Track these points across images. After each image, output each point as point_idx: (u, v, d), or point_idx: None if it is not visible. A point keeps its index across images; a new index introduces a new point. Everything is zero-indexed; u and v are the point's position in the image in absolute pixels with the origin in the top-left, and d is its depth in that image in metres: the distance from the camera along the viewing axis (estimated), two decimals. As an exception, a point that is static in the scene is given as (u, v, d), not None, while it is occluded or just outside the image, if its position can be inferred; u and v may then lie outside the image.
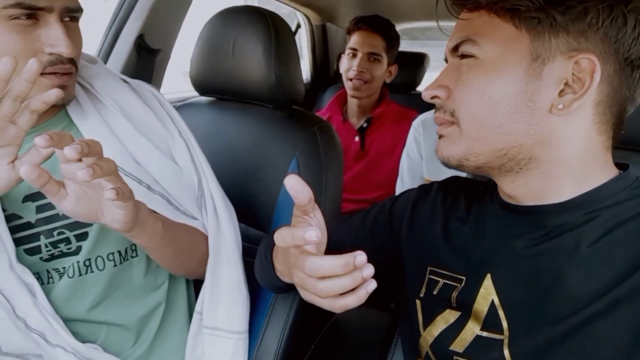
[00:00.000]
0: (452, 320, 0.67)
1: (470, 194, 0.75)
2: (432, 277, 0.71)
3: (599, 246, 0.58)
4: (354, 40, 1.86)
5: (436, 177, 1.60)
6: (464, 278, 0.67)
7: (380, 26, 1.86)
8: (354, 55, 1.85)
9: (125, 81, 0.90)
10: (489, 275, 0.64)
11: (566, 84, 0.56)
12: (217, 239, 0.91)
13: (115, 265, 0.87)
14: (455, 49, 0.63)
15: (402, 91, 2.45)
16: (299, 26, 2.57)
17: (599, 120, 0.59)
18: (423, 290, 0.72)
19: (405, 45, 3.70)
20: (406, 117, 1.90)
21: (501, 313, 0.62)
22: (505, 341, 0.61)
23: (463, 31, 0.63)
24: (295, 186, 0.52)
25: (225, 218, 0.92)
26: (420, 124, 1.67)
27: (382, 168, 1.88)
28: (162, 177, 0.86)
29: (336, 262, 0.48)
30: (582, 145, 0.59)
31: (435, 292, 0.70)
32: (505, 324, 0.61)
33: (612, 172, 0.62)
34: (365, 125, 1.92)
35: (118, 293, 0.90)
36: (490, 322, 0.63)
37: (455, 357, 0.65)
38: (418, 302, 0.72)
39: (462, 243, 0.70)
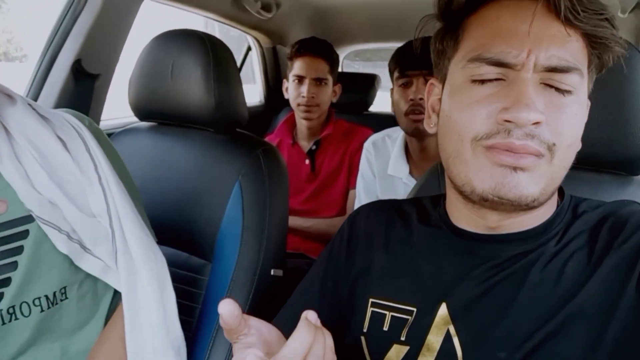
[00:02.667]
0: (402, 355, 0.63)
1: (404, 214, 0.74)
2: (375, 309, 0.68)
3: (548, 269, 0.59)
4: (299, 66, 1.86)
5: (389, 196, 1.62)
6: (414, 309, 0.65)
7: (322, 49, 1.87)
8: (301, 82, 1.86)
9: (48, 119, 0.84)
10: (444, 304, 0.62)
11: None
12: (134, 300, 0.85)
13: (42, 311, 0.81)
14: (552, 70, 0.56)
15: (354, 112, 2.46)
16: (249, 49, 2.57)
17: None
18: (366, 324, 0.68)
19: (358, 67, 3.76)
20: (353, 132, 1.92)
21: (456, 342, 0.60)
22: None
23: (569, 52, 0.56)
24: (230, 313, 0.45)
25: (145, 277, 0.85)
26: (371, 144, 1.69)
27: (334, 187, 1.89)
28: (77, 227, 0.82)
29: (303, 334, 0.44)
30: None
31: (385, 329, 0.66)
32: (460, 353, 0.60)
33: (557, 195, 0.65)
34: (314, 147, 1.92)
35: (47, 337, 0.84)
36: (444, 352, 0.61)
37: None
38: (363, 338, 0.68)
39: (410, 271, 0.67)
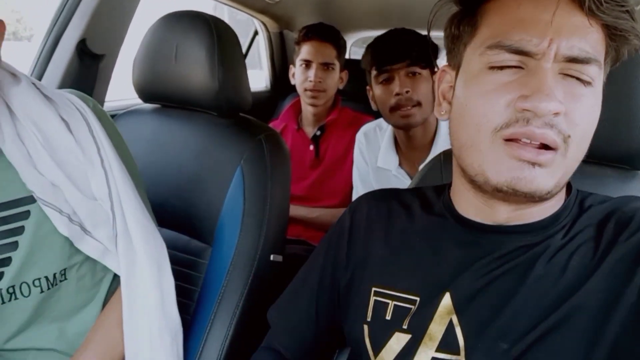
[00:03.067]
0: (403, 343, 0.63)
1: (405, 204, 0.73)
2: (378, 298, 0.68)
3: (554, 262, 0.59)
4: (306, 51, 1.84)
5: (384, 186, 1.62)
6: (417, 298, 0.64)
7: (330, 35, 1.86)
8: (308, 66, 1.84)
9: (52, 100, 0.83)
10: (447, 294, 0.62)
11: None
12: (132, 284, 0.85)
13: (42, 292, 0.82)
14: (572, 60, 0.55)
15: (361, 100, 2.44)
16: (256, 33, 2.55)
17: None
18: (370, 314, 0.68)
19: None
20: (358, 121, 1.90)
21: (458, 332, 0.60)
22: None
23: (591, 44, 0.56)
24: None
25: (144, 261, 0.85)
26: (363, 136, 1.69)
27: (337, 175, 1.87)
28: (79, 210, 0.82)
29: None
30: None
31: (388, 318, 0.66)
32: (462, 343, 0.59)
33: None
34: (318, 133, 1.91)
35: (45, 317, 0.85)
36: (446, 342, 0.60)
37: None
38: (366, 327, 0.68)
39: (414, 260, 0.67)
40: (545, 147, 0.56)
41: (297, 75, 1.88)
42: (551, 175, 0.56)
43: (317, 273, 0.77)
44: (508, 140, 0.56)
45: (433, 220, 0.69)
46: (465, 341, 0.59)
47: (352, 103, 2.16)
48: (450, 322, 0.61)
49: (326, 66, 1.84)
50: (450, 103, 0.66)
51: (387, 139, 1.60)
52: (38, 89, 0.82)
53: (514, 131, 0.55)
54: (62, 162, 0.81)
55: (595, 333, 0.54)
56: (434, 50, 1.44)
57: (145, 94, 1.19)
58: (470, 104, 0.60)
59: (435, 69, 1.47)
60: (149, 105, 1.24)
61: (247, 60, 2.62)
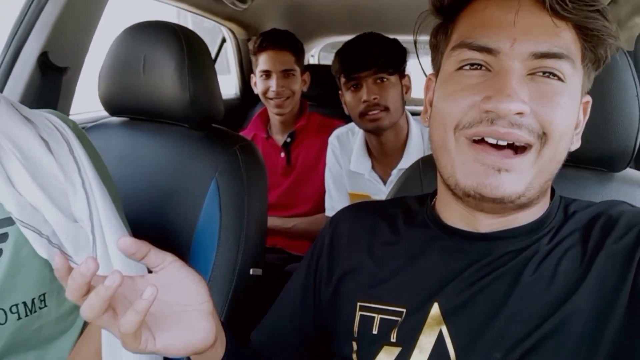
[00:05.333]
0: (393, 357, 0.62)
1: (387, 215, 0.72)
2: (364, 313, 0.66)
3: (542, 269, 0.58)
4: (264, 61, 1.83)
5: (358, 189, 1.63)
6: (404, 310, 0.63)
7: (285, 41, 1.84)
8: (268, 76, 1.83)
9: (31, 121, 0.81)
10: (436, 304, 0.61)
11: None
12: None
13: (19, 319, 0.78)
14: (543, 56, 0.55)
15: (331, 105, 2.44)
16: (224, 40, 2.51)
17: None
18: (356, 329, 0.66)
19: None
20: (328, 126, 1.89)
21: (449, 342, 0.59)
22: None
23: (560, 41, 0.55)
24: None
25: None
26: (336, 139, 1.69)
27: (310, 180, 1.86)
28: (59, 232, 0.79)
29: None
30: None
31: (375, 332, 0.64)
32: (453, 354, 0.58)
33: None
34: (288, 140, 1.89)
35: (23, 346, 0.81)
36: (436, 353, 0.59)
37: None
38: (354, 343, 0.67)
39: (398, 272, 0.66)
40: (515, 149, 0.55)
41: (259, 86, 1.87)
42: (519, 179, 0.56)
43: (299, 291, 0.75)
44: (475, 142, 0.57)
45: (417, 232, 0.69)
46: (456, 352, 0.58)
47: (321, 108, 2.16)
48: (440, 333, 0.60)
49: (286, 73, 1.82)
50: None
51: (358, 143, 1.60)
52: (17, 110, 0.79)
53: (477, 130, 0.56)
54: (43, 183, 0.78)
55: (591, 338, 0.54)
56: (401, 54, 1.46)
57: (113, 107, 1.16)
58: (440, 105, 0.61)
59: (405, 73, 1.48)
60: (116, 119, 1.20)
61: (215, 65, 2.59)
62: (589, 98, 0.63)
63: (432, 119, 0.64)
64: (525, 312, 0.57)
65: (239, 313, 0.99)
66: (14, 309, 0.77)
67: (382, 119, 1.44)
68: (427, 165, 0.91)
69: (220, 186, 1.03)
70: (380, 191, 1.53)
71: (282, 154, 1.88)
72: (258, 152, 1.13)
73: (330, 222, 0.77)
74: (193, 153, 1.08)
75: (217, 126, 1.16)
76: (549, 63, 0.55)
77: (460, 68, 0.59)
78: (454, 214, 0.65)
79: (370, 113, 1.44)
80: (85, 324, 0.89)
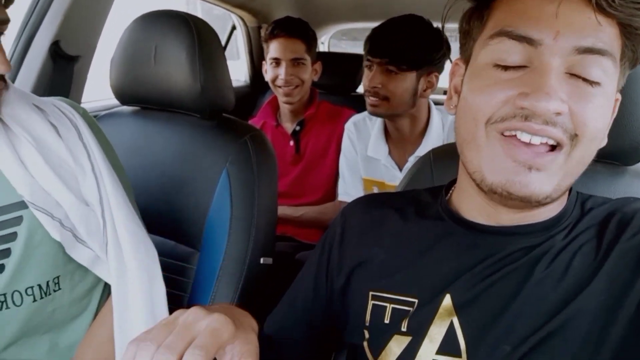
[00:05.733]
0: (403, 346, 0.63)
1: (399, 207, 0.72)
2: (376, 302, 0.67)
3: (554, 265, 0.58)
4: (274, 48, 1.82)
5: (373, 175, 1.63)
6: (416, 300, 0.63)
7: (297, 29, 1.82)
8: (278, 64, 1.82)
9: (41, 108, 0.82)
10: (448, 296, 0.61)
11: None
12: (123, 294, 0.83)
13: (34, 301, 0.80)
14: (587, 51, 0.53)
15: (341, 93, 2.43)
16: (234, 28, 2.51)
17: None
18: (368, 318, 0.67)
19: (345, 46, 3.72)
20: (337, 115, 1.89)
21: (459, 334, 0.59)
22: None
23: (604, 38, 0.53)
24: None
25: (134, 270, 0.83)
26: (353, 125, 1.70)
27: (319, 169, 1.86)
28: (71, 214, 0.80)
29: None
30: None
31: (387, 321, 0.65)
32: (463, 346, 0.59)
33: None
34: (298, 128, 1.89)
35: (38, 329, 0.82)
36: (447, 344, 0.60)
37: None
38: (366, 332, 0.67)
39: (411, 263, 0.66)
40: (548, 147, 0.54)
41: (269, 73, 1.86)
42: (549, 179, 0.54)
43: (311, 280, 0.75)
44: (507, 136, 0.55)
45: (429, 223, 0.68)
46: (466, 343, 0.59)
47: (331, 96, 2.15)
48: (451, 324, 0.60)
49: (296, 62, 1.81)
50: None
51: (377, 128, 1.61)
52: (26, 98, 0.81)
53: (509, 124, 0.54)
54: (54, 166, 0.79)
55: (598, 335, 0.54)
56: (429, 52, 1.40)
57: (124, 96, 1.16)
58: (470, 98, 0.59)
59: (434, 72, 1.44)
60: (128, 108, 1.21)
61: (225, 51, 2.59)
62: (619, 96, 0.60)
63: (461, 111, 0.62)
64: (535, 307, 0.57)
65: (250, 302, 1.00)
66: (29, 291, 0.79)
67: (378, 106, 1.46)
68: (439, 157, 0.91)
69: (231, 176, 1.03)
70: (396, 177, 1.54)
71: (292, 142, 1.88)
72: (268, 141, 1.14)
73: (342, 214, 0.77)
74: (204, 143, 1.09)
75: (228, 116, 1.16)
76: (592, 60, 0.52)
77: (498, 65, 0.56)
78: (474, 206, 0.65)
79: (371, 98, 1.46)
80: (99, 308, 0.90)
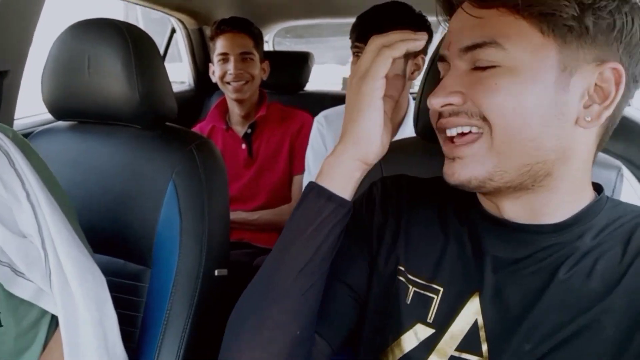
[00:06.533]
0: (423, 337, 0.62)
1: (430, 194, 0.72)
2: (402, 278, 0.66)
3: (582, 264, 0.58)
4: (222, 44, 1.80)
5: None
6: (440, 289, 0.63)
7: (243, 25, 1.82)
8: (226, 60, 1.80)
9: None
10: (477, 294, 0.61)
11: (588, 95, 0.55)
12: (71, 325, 0.79)
13: None
14: (468, 49, 0.57)
15: (289, 92, 2.41)
16: (174, 31, 2.44)
17: (601, 133, 0.59)
18: (393, 291, 0.66)
19: (289, 44, 3.69)
20: (291, 116, 1.88)
21: (482, 334, 0.59)
22: None
23: (481, 31, 0.56)
24: None
25: (81, 300, 0.79)
26: (324, 118, 1.68)
27: (273, 171, 1.85)
28: (7, 249, 0.75)
29: None
30: (585, 160, 0.59)
31: (408, 302, 0.65)
32: (485, 347, 0.59)
33: (592, 190, 0.63)
34: (249, 131, 1.86)
35: None
36: (468, 342, 0.60)
37: None
38: (388, 304, 0.67)
39: (437, 251, 0.66)
40: (473, 137, 0.58)
41: (217, 70, 1.83)
42: (474, 165, 0.58)
43: (355, 259, 0.71)
44: (443, 136, 0.62)
45: (463, 215, 0.68)
46: (487, 341, 0.59)
47: (280, 96, 2.13)
48: (475, 323, 0.60)
49: (245, 56, 1.80)
50: None
51: None
52: None
53: (435, 125, 0.63)
54: None
55: (622, 339, 0.54)
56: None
57: (58, 111, 1.10)
58: None
59: (413, 55, 1.44)
60: (64, 123, 1.15)
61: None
62: (616, 65, 0.55)
63: None
64: (559, 307, 0.57)
65: (206, 316, 0.98)
66: None
67: None
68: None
69: (178, 187, 1.00)
70: None
71: (244, 146, 1.85)
72: (215, 148, 1.10)
73: (380, 181, 0.76)
74: (147, 154, 1.04)
75: (171, 125, 1.12)
76: (478, 53, 0.56)
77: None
78: (489, 204, 0.65)
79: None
80: (47, 340, 0.85)
